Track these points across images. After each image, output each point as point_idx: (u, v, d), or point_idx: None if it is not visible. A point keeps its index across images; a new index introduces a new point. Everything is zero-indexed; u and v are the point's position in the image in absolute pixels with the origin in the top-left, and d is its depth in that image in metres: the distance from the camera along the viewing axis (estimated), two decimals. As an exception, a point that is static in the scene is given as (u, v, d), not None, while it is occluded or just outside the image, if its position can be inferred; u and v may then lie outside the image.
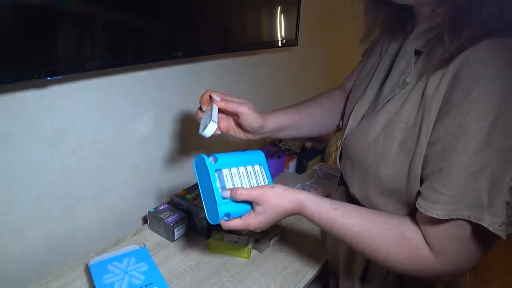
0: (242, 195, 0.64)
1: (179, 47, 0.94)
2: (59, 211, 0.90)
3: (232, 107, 0.73)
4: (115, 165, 0.99)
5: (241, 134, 0.80)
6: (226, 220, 0.66)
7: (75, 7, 0.71)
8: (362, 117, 0.70)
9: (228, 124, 0.78)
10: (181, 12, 0.92)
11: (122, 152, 1.00)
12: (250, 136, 0.80)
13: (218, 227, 1.02)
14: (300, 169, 1.42)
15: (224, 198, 0.65)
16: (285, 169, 1.44)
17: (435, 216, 0.51)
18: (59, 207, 0.90)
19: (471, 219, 0.50)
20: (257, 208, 0.64)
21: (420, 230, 0.57)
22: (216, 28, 1.05)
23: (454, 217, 0.50)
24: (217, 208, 0.64)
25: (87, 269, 0.87)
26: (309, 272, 0.91)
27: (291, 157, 1.43)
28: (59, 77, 0.76)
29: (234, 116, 0.76)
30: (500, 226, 0.49)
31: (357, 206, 0.65)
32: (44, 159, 0.83)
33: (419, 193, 0.56)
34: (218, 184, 0.66)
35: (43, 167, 0.84)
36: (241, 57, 1.29)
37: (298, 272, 0.91)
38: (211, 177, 0.65)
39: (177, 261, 0.93)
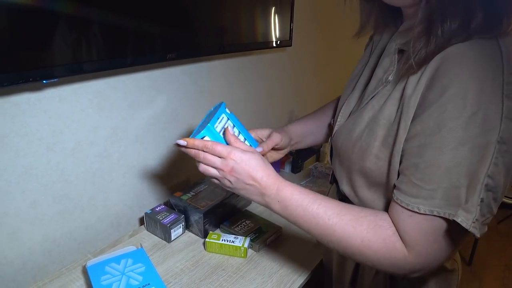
0: (234, 136, 0.68)
1: (174, 49, 0.95)
2: (56, 213, 0.90)
3: (269, 145, 0.80)
4: (112, 166, 0.99)
5: (277, 156, 0.87)
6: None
7: (71, 10, 0.71)
8: (350, 113, 0.71)
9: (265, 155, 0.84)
10: (176, 14, 0.93)
11: (118, 154, 1.00)
12: (284, 153, 0.88)
13: (215, 227, 1.04)
14: (295, 168, 1.43)
15: (218, 132, 0.68)
16: (281, 169, 1.45)
17: (416, 210, 0.52)
18: (56, 209, 0.90)
19: (446, 215, 0.50)
20: (238, 154, 0.64)
21: (393, 223, 0.57)
22: (210, 30, 1.05)
23: (429, 212, 0.51)
24: (206, 126, 0.67)
25: (85, 271, 0.87)
26: (305, 271, 0.92)
27: (287, 157, 1.44)
28: (55, 80, 0.76)
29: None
30: (473, 222, 0.49)
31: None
32: (40, 162, 0.84)
33: (394, 186, 0.57)
34: (220, 122, 0.69)
35: (39, 170, 0.84)
36: (236, 58, 1.30)
37: (294, 271, 0.92)
38: (219, 110, 0.69)
39: (174, 262, 0.94)
